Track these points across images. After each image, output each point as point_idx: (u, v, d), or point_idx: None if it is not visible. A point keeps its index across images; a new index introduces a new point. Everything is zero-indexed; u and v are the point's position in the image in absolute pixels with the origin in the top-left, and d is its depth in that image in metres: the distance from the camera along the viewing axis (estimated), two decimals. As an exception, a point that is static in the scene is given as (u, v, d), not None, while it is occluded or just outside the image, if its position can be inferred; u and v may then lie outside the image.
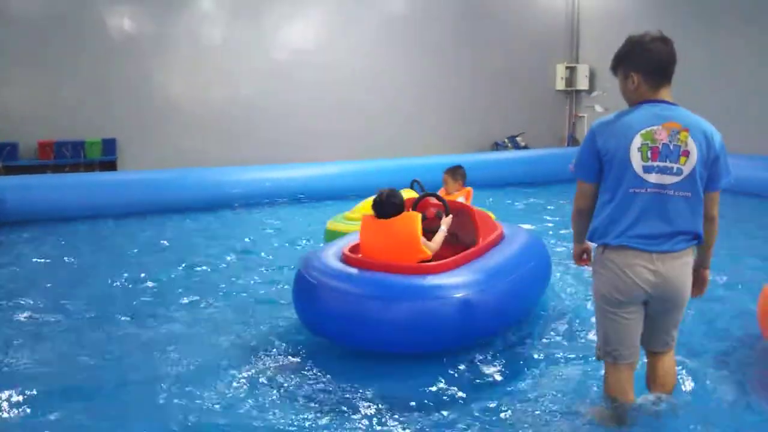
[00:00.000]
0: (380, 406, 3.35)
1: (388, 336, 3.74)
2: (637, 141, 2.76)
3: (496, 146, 13.81)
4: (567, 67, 14.49)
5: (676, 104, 2.86)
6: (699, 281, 3.01)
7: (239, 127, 11.69)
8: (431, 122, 13.34)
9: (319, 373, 3.72)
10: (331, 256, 4.21)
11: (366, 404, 3.37)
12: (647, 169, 2.76)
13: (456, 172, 6.22)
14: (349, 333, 3.82)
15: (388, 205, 4.18)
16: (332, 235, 5.76)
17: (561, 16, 14.49)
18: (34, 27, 10.28)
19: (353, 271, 3.95)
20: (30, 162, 10.25)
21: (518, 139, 13.83)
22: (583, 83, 14.30)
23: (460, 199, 5.86)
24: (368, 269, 3.93)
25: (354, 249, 4.30)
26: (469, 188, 6.25)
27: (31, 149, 10.41)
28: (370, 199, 5.43)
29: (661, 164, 2.75)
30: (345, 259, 4.11)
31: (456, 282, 3.82)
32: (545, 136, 14.46)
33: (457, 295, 3.74)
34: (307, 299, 4.01)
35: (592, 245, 3.10)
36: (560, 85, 14.54)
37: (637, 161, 2.76)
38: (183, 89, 11.41)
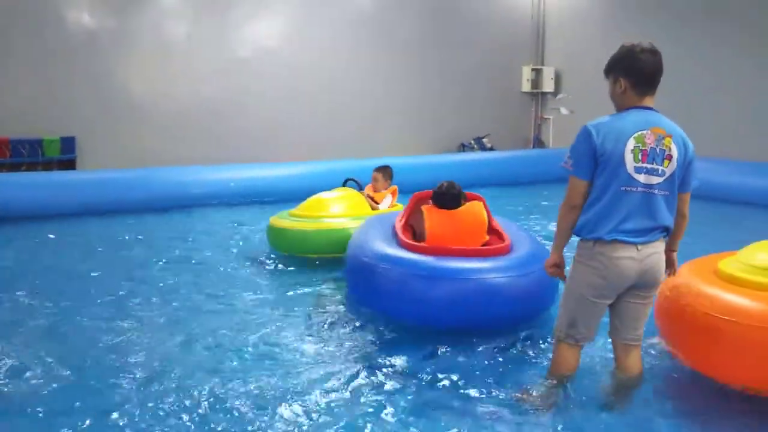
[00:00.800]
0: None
1: (504, 311, 4.25)
2: (631, 143, 3.03)
3: (462, 147, 13.83)
4: (533, 69, 14.59)
5: (658, 111, 3.14)
6: (669, 263, 3.37)
7: (202, 125, 11.50)
8: (397, 122, 13.31)
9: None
10: (393, 246, 4.55)
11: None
12: (638, 170, 3.04)
13: (386, 171, 6.83)
14: (474, 316, 4.21)
15: (452, 197, 4.69)
16: (275, 232, 6.23)
17: (527, 19, 14.57)
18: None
19: (450, 260, 4.29)
20: (-17, 160, 9.94)
21: (484, 140, 13.87)
22: (548, 85, 14.41)
23: (388, 198, 6.59)
24: (459, 255, 4.33)
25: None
26: (395, 186, 6.81)
27: (-15, 147, 10.10)
28: (316, 197, 6.31)
29: (649, 166, 3.04)
30: (423, 250, 4.41)
31: (528, 260, 4.42)
32: (511, 138, 14.54)
33: (534, 271, 4.27)
34: (417, 293, 4.20)
35: (572, 246, 3.29)
36: (526, 87, 14.62)
37: (630, 162, 3.03)
38: (145, 86, 11.19)
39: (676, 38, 11.25)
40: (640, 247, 3.08)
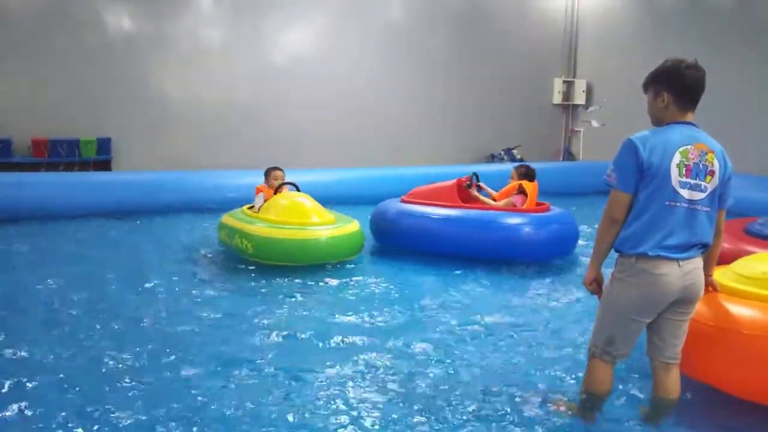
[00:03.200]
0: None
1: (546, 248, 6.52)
2: (677, 158, 3.01)
3: (492, 158, 13.83)
4: (564, 82, 14.56)
5: (699, 127, 3.13)
6: (708, 285, 3.36)
7: (234, 129, 11.68)
8: (426, 132, 13.37)
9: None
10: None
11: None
12: (682, 185, 3.01)
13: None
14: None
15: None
16: (223, 228, 6.64)
17: (559, 31, 14.56)
18: (31, 22, 10.24)
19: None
20: (24, 159, 10.19)
21: (514, 151, 13.86)
22: (580, 98, 14.37)
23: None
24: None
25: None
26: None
27: (24, 146, 10.36)
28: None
29: (693, 181, 3.02)
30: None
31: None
32: (541, 150, 14.50)
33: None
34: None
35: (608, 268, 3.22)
36: (557, 99, 14.60)
37: (675, 177, 3.00)
38: (180, 90, 11.40)
39: (709, 52, 11.16)
40: (681, 263, 3.04)
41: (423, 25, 13.19)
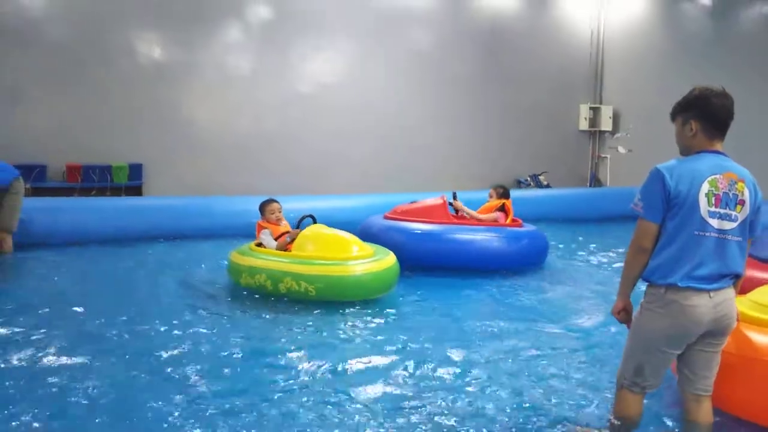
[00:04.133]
0: None
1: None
2: (705, 187, 2.98)
3: (519, 184, 13.83)
4: (591, 108, 14.55)
5: (728, 156, 3.10)
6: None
7: (261, 156, 11.85)
8: (453, 158, 13.42)
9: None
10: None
11: None
12: (711, 215, 2.98)
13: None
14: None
15: None
16: (247, 271, 5.92)
17: (585, 57, 14.60)
18: (65, 51, 10.56)
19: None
20: (58, 184, 10.44)
21: (541, 177, 13.85)
22: (606, 124, 14.34)
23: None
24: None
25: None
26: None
27: (59, 172, 10.61)
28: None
29: (722, 211, 2.99)
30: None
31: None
32: (568, 176, 14.47)
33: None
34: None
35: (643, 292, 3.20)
36: (583, 125, 14.59)
37: (704, 206, 2.97)
38: (209, 117, 11.61)
39: (737, 79, 11.10)
40: (712, 294, 2.99)
41: (448, 51, 13.31)
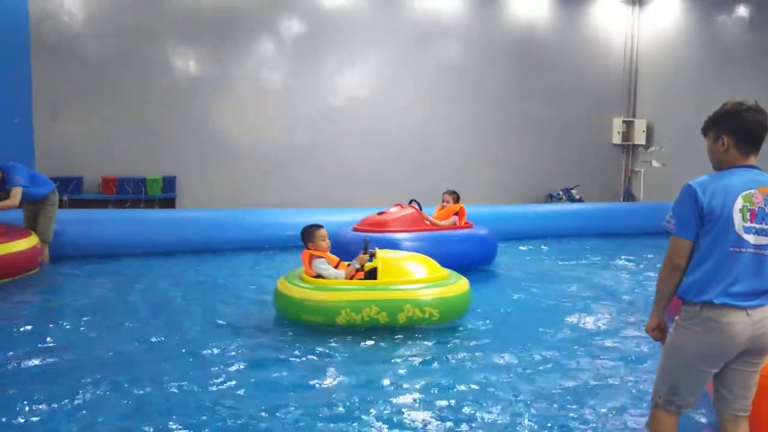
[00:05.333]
0: None
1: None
2: (739, 203, 2.91)
3: (551, 198, 13.72)
4: (624, 122, 14.40)
5: (762, 170, 3.02)
6: None
7: (294, 169, 11.94)
8: (484, 172, 13.38)
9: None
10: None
11: None
12: (747, 230, 2.91)
13: None
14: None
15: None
16: (282, 298, 5.52)
17: (619, 71, 14.47)
18: (102, 67, 10.79)
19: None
20: (94, 196, 10.64)
21: (573, 191, 13.72)
22: (640, 138, 14.18)
23: None
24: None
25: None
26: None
27: (95, 184, 10.82)
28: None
29: (758, 226, 2.91)
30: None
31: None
32: (600, 190, 14.32)
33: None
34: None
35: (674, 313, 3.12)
36: (617, 139, 14.44)
37: (738, 222, 2.90)
38: (241, 131, 11.75)
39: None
40: (750, 311, 2.90)
41: (480, 64, 13.30)
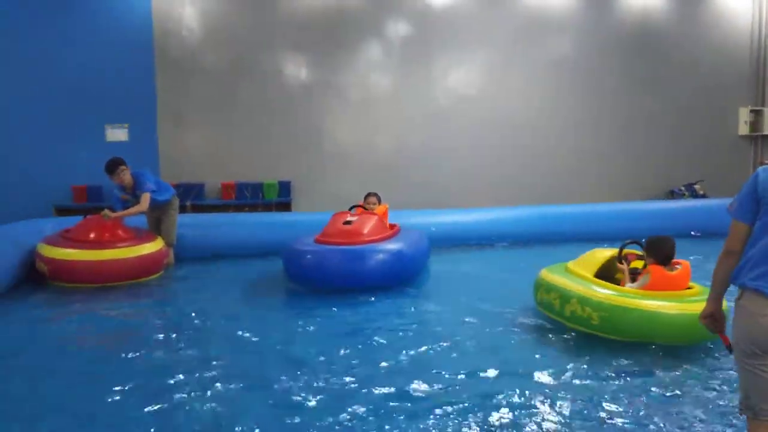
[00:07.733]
0: None
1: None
2: None
3: (672, 194, 13.08)
4: (752, 111, 13.53)
5: None
6: None
7: (405, 171, 11.97)
8: (601, 168, 12.93)
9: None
10: None
11: None
12: None
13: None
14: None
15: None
16: (544, 286, 5.48)
17: (745, 57, 13.61)
18: (220, 78, 11.25)
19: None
20: (214, 201, 11.10)
21: (696, 187, 13.02)
22: (770, 128, 13.29)
23: None
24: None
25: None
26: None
27: (215, 190, 11.28)
28: (596, 255, 5.62)
29: None
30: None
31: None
32: (727, 185, 13.48)
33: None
34: None
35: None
36: (743, 129, 13.59)
37: None
38: (353, 135, 11.91)
39: None
40: None
41: (592, 56, 12.86)
